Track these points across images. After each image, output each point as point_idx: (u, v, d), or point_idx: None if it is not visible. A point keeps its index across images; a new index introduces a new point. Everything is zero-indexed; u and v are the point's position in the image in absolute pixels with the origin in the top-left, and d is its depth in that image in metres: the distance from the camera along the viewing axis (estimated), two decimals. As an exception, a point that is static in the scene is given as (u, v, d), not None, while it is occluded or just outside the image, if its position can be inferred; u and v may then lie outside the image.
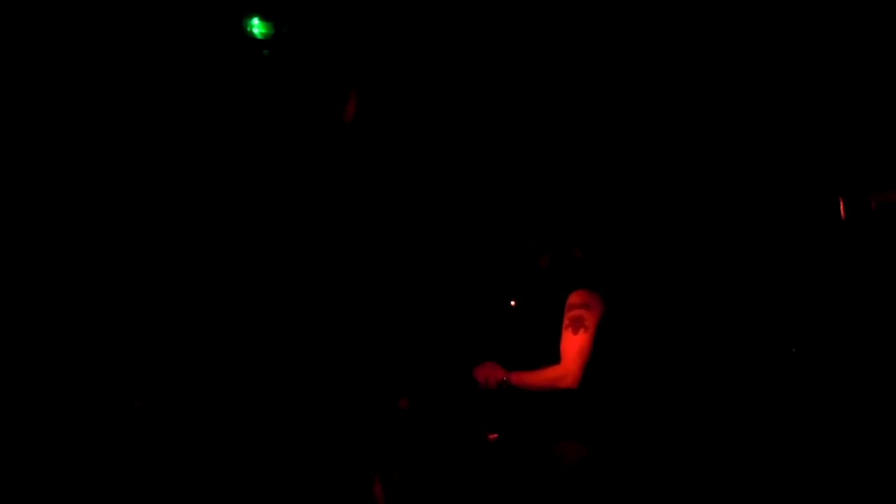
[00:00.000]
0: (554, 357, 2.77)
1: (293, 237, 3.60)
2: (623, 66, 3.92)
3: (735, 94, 3.94)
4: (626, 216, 4.05)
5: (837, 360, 3.62)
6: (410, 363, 3.70)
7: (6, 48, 2.87)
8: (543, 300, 2.99)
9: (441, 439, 3.58)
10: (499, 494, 3.27)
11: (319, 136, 3.76)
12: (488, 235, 3.99)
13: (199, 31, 3.37)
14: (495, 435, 2.14)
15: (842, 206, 3.85)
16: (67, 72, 2.98)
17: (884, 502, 3.16)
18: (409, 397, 3.39)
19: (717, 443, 3.54)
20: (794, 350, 3.68)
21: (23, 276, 2.40)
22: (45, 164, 2.86)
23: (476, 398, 3.32)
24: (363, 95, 3.79)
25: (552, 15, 3.72)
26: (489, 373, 2.90)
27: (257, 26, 3.36)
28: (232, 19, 3.36)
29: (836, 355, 3.62)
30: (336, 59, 3.72)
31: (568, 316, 2.79)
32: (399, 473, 3.24)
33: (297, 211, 3.63)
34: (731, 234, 3.95)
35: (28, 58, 2.92)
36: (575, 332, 2.74)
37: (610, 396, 2.78)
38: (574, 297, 2.82)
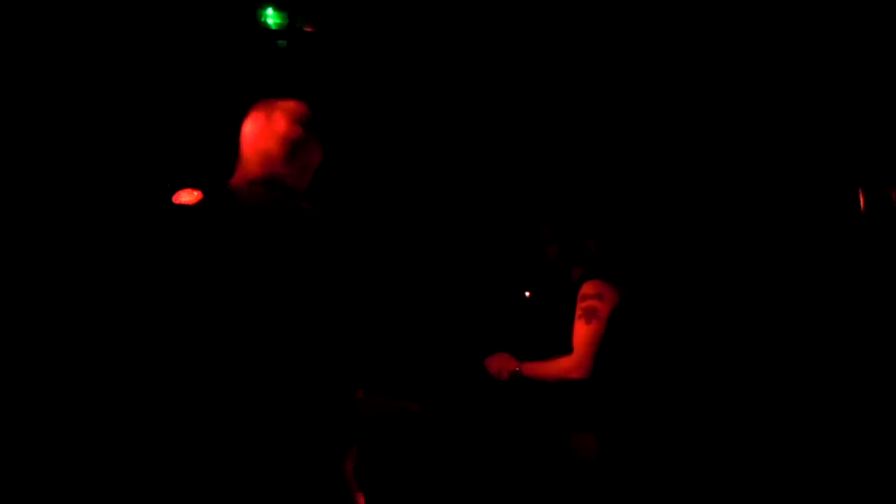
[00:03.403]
0: (567, 348, 2.75)
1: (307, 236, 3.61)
2: (638, 58, 3.90)
3: (754, 86, 3.90)
4: (640, 208, 4.02)
5: (853, 355, 3.57)
6: (421, 358, 3.69)
7: (24, 49, 2.92)
8: (557, 291, 2.98)
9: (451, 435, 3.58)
10: (514, 488, 3.26)
11: (329, 129, 3.76)
12: (503, 225, 3.98)
13: (213, 24, 3.38)
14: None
15: (861, 200, 3.80)
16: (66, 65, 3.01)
17: None
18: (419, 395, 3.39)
19: (732, 434, 3.51)
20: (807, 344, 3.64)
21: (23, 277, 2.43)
22: (49, 161, 2.90)
23: (487, 391, 3.31)
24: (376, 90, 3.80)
25: (568, 10, 3.71)
26: (501, 363, 2.89)
27: (272, 16, 3.36)
28: (246, 10, 3.36)
29: (853, 350, 3.58)
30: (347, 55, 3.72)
31: (580, 306, 2.77)
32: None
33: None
34: (748, 227, 3.91)
35: (30, 56, 2.95)
36: (587, 322, 2.72)
37: (623, 387, 2.76)
38: (587, 288, 2.81)
